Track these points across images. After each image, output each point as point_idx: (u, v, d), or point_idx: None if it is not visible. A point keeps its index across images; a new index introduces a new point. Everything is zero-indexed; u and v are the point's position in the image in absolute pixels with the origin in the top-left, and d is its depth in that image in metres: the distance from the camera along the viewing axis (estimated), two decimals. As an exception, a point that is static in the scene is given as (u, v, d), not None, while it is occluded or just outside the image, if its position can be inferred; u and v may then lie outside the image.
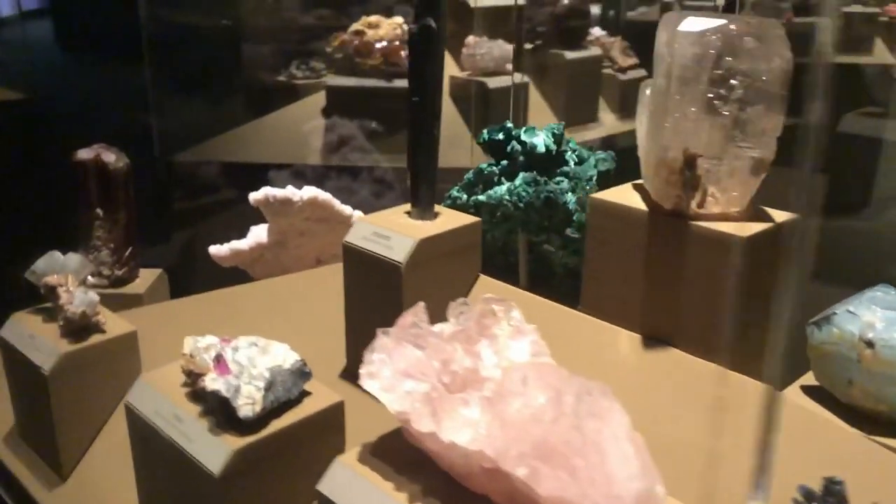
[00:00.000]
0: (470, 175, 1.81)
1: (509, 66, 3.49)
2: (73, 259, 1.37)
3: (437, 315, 0.91)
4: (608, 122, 4.02)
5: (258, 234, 1.66)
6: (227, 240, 1.80)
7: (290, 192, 1.60)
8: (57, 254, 1.38)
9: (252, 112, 3.47)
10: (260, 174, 3.24)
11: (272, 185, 1.73)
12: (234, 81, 3.61)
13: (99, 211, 1.71)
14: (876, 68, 6.27)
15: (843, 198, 3.99)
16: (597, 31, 4.05)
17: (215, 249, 1.69)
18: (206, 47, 3.55)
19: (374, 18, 3.70)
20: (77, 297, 1.32)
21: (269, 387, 1.02)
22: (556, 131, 1.81)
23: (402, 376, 0.81)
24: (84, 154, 1.72)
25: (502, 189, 1.73)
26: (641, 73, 4.14)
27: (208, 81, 3.52)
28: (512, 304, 0.88)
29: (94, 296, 1.34)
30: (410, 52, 1.35)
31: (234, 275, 1.74)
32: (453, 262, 1.40)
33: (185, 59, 3.44)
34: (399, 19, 3.72)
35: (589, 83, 3.87)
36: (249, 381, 1.01)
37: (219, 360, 1.05)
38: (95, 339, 1.35)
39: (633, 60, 4.09)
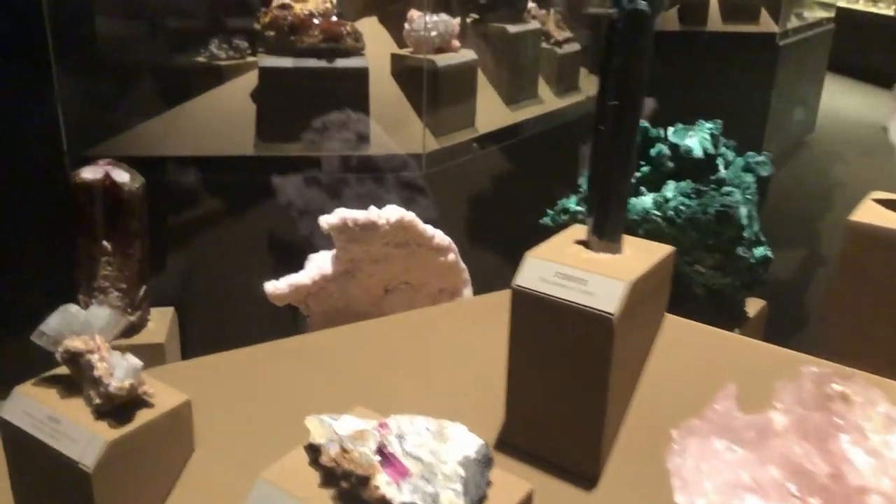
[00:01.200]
0: None
1: (456, 43, 3.26)
2: (100, 314, 1.05)
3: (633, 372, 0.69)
4: (547, 98, 3.88)
5: (321, 263, 1.37)
6: (213, 251, 1.49)
7: (373, 214, 1.32)
8: (74, 307, 1.06)
9: (172, 98, 3.06)
10: (205, 168, 2.88)
11: (281, 194, 1.44)
12: (146, 64, 3.17)
13: (107, 244, 1.36)
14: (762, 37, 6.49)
15: None
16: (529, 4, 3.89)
17: (272, 288, 1.37)
18: (112, 27, 3.09)
19: (299, -8, 3.35)
20: (118, 367, 1.01)
21: (466, 488, 0.79)
22: (713, 131, 1.56)
23: (737, 489, 0.61)
24: (89, 174, 1.36)
25: (647, 201, 1.47)
26: (576, 46, 4.03)
27: (117, 64, 3.08)
28: (864, 381, 0.68)
29: (136, 360, 1.04)
30: (609, 43, 1.09)
31: (245, 306, 1.45)
32: (650, 303, 1.16)
33: (88, 40, 2.98)
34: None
35: (530, 58, 3.70)
36: (445, 484, 0.77)
37: (385, 454, 0.80)
38: (143, 416, 1.05)
39: (568, 34, 3.96)
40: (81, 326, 1.04)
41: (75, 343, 1.03)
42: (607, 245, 1.12)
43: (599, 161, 1.11)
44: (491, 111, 3.51)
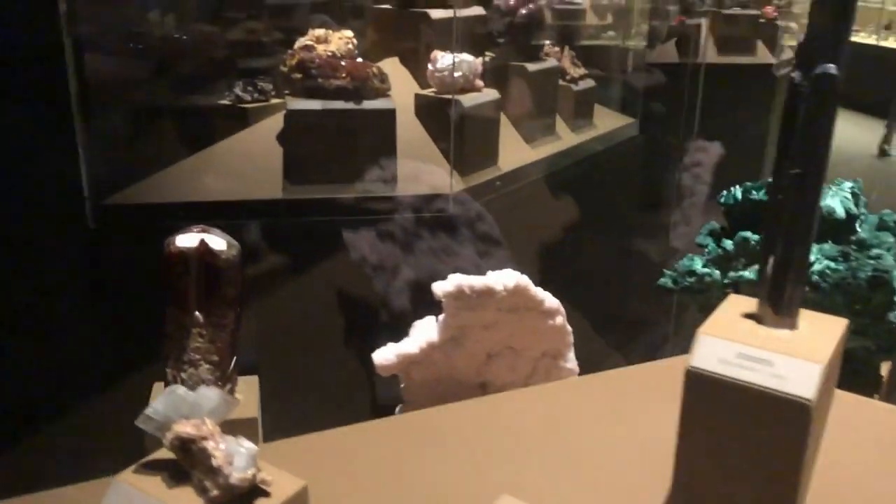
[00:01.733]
0: (725, 244, 1.46)
1: (479, 83, 3.26)
2: (210, 395, 1.00)
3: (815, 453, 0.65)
4: (564, 135, 3.89)
5: (426, 331, 1.32)
6: (280, 308, 1.44)
7: (490, 280, 1.28)
8: (182, 389, 1.00)
9: (198, 142, 3.03)
10: (234, 213, 2.84)
11: (354, 250, 1.40)
12: (170, 108, 3.14)
13: (199, 315, 1.31)
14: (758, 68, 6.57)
15: None
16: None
17: (382, 360, 1.32)
18: (133, 70, 3.06)
19: (320, 32, 3.34)
20: (237, 454, 0.96)
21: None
22: (854, 190, 1.51)
23: None
24: (185, 241, 1.31)
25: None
26: (590, 83, 4.05)
27: (140, 108, 3.04)
28: None
29: (251, 446, 0.98)
30: (792, 108, 1.04)
31: (324, 369, 1.39)
32: (831, 382, 1.10)
33: (110, 84, 2.95)
34: (349, 33, 3.39)
35: (548, 95, 3.71)
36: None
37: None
38: (261, 505, 0.99)
39: (583, 71, 3.98)
40: (190, 409, 0.99)
41: (186, 428, 0.97)
42: (784, 320, 1.06)
43: (777, 230, 1.05)
44: (512, 149, 3.50)
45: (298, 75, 2.98)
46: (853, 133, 8.93)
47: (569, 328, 1.37)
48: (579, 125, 3.95)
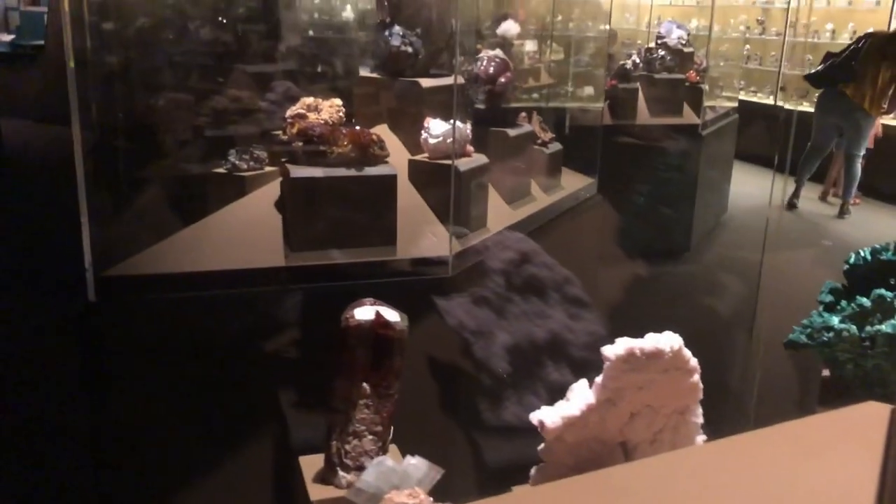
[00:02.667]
0: (861, 301, 1.55)
1: (470, 148, 3.38)
2: (418, 465, 1.04)
3: None
4: (538, 195, 4.04)
5: (583, 393, 1.36)
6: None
7: (660, 342, 1.34)
8: (390, 460, 1.04)
9: (196, 211, 3.01)
10: (235, 281, 2.82)
11: (450, 316, 1.46)
12: (166, 178, 3.11)
13: (366, 386, 1.31)
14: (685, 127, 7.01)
15: None
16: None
17: (550, 422, 1.34)
18: (128, 141, 3.03)
19: (311, 100, 3.40)
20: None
21: None
22: None
23: None
24: (362, 314, 1.32)
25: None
26: (558, 146, 4.24)
27: (137, 179, 3.01)
28: None
29: (461, 507, 1.02)
30: None
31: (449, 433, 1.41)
32: None
33: (108, 156, 2.92)
34: (338, 101, 3.46)
35: (526, 159, 3.87)
36: None
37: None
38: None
39: (551, 134, 4.17)
40: (401, 479, 1.02)
41: (401, 498, 1.00)
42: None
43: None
44: (496, 210, 3.62)
45: (300, 143, 3.02)
46: (757, 186, 9.55)
47: (701, 384, 1.45)
48: (551, 185, 4.12)
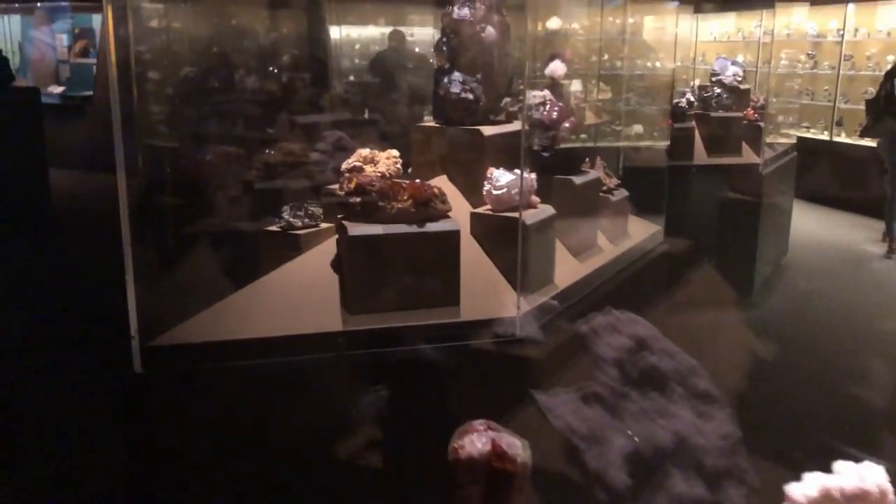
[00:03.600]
0: None
1: (535, 199, 3.16)
2: None
3: None
4: (605, 246, 3.80)
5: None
6: None
7: (865, 479, 1.10)
8: None
9: (249, 273, 2.83)
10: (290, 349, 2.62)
11: (556, 418, 1.23)
12: (221, 238, 2.95)
13: None
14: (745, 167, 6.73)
15: None
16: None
17: (803, 498, 1.10)
18: (179, 200, 2.88)
19: (367, 152, 3.23)
20: None
21: None
22: None
23: None
24: (475, 444, 1.10)
25: None
26: (624, 193, 4.01)
27: (189, 240, 2.85)
28: None
29: None
30: None
31: None
32: None
33: (157, 219, 2.77)
34: (395, 152, 3.29)
35: (592, 208, 3.64)
36: None
37: None
38: None
39: (617, 181, 3.94)
40: None
41: None
42: None
43: None
44: (562, 263, 3.39)
45: (357, 199, 2.83)
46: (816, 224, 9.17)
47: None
48: (617, 234, 3.88)
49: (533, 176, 3.15)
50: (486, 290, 2.98)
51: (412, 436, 2.68)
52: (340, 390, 2.73)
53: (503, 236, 3.02)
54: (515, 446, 1.18)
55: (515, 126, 3.38)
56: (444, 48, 3.23)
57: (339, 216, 2.92)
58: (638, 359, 1.44)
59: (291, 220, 2.94)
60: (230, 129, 3.67)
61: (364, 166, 3.15)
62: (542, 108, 3.51)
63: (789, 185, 7.82)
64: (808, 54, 11.12)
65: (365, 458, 2.71)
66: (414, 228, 2.82)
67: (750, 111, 6.87)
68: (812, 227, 9.11)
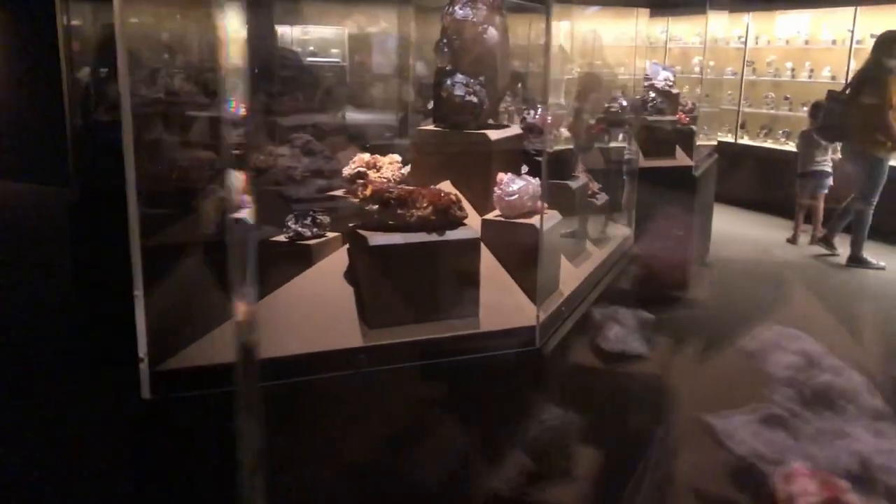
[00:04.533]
0: None
1: (542, 204, 3.10)
2: None
3: None
4: (592, 249, 3.79)
5: None
6: None
7: None
8: None
9: (261, 286, 2.62)
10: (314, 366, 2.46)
11: (739, 443, 1.16)
12: (216, 248, 2.72)
13: None
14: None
15: None
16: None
17: None
18: (180, 212, 2.66)
19: (368, 157, 3.09)
20: None
21: None
22: None
23: None
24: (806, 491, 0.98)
25: None
26: (605, 197, 4.02)
27: (192, 251, 2.62)
28: None
29: None
30: None
31: None
32: None
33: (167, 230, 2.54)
34: (397, 157, 3.16)
35: (586, 212, 3.62)
36: None
37: None
38: None
39: (598, 184, 3.94)
40: None
41: None
42: None
43: None
44: (562, 270, 3.35)
45: (374, 206, 2.68)
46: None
47: None
48: (601, 238, 3.88)
49: (537, 181, 3.09)
50: (501, 299, 2.90)
51: (451, 448, 2.57)
52: (367, 410, 2.58)
53: (518, 243, 2.94)
54: (844, 489, 1.10)
55: (516, 129, 3.31)
56: (446, 49, 3.12)
57: (350, 225, 2.77)
58: (809, 377, 1.39)
59: (300, 229, 2.76)
60: (200, 134, 3.42)
61: (367, 170, 3.01)
62: (533, 112, 3.46)
63: (713, 185, 8.12)
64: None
65: (401, 480, 2.57)
66: (434, 237, 2.71)
67: (682, 115, 7.08)
68: (727, 227, 9.50)
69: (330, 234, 2.88)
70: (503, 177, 3.01)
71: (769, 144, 11.14)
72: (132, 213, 2.27)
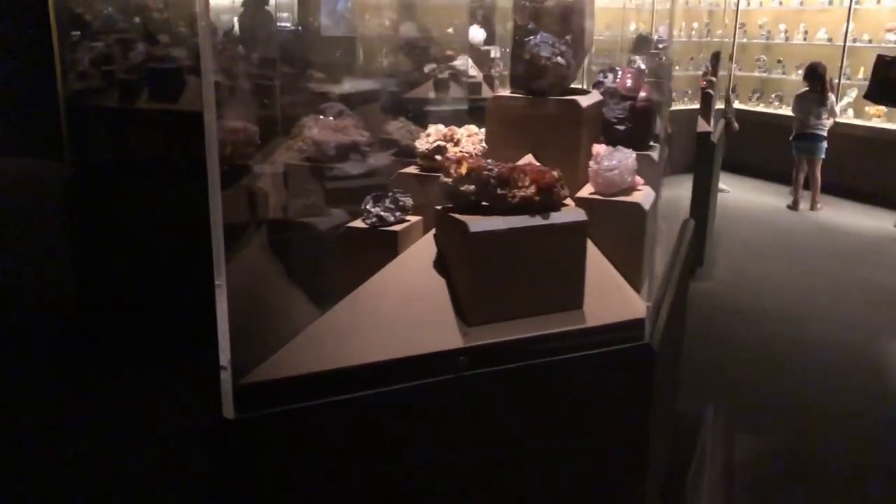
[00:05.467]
0: None
1: (638, 179, 2.77)
2: None
3: None
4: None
5: None
6: None
7: None
8: None
9: (342, 285, 2.28)
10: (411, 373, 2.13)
11: None
12: (286, 240, 2.36)
13: None
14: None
15: None
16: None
17: None
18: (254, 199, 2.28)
19: (445, 130, 2.72)
20: None
21: None
22: None
23: None
24: None
25: None
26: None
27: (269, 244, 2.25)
28: None
29: None
30: None
31: None
32: None
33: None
34: (474, 128, 2.79)
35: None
36: None
37: None
38: None
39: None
40: None
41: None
42: None
43: None
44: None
45: (470, 187, 2.33)
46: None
47: None
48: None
49: (632, 153, 2.76)
50: (602, 288, 2.58)
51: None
52: (472, 419, 2.25)
53: (621, 224, 2.61)
54: None
55: (597, 96, 2.97)
56: (527, 2, 2.75)
57: (438, 207, 2.41)
58: None
59: (382, 213, 2.39)
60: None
61: (446, 144, 2.64)
62: (612, 76, 3.11)
63: (723, 151, 7.90)
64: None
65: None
66: (538, 220, 2.36)
67: (701, 79, 6.81)
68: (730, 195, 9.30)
69: (412, 218, 2.51)
70: (600, 149, 2.67)
71: (762, 108, 10.96)
72: (213, 198, 1.87)
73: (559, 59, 2.74)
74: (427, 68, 4.88)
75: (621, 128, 3.06)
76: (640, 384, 2.54)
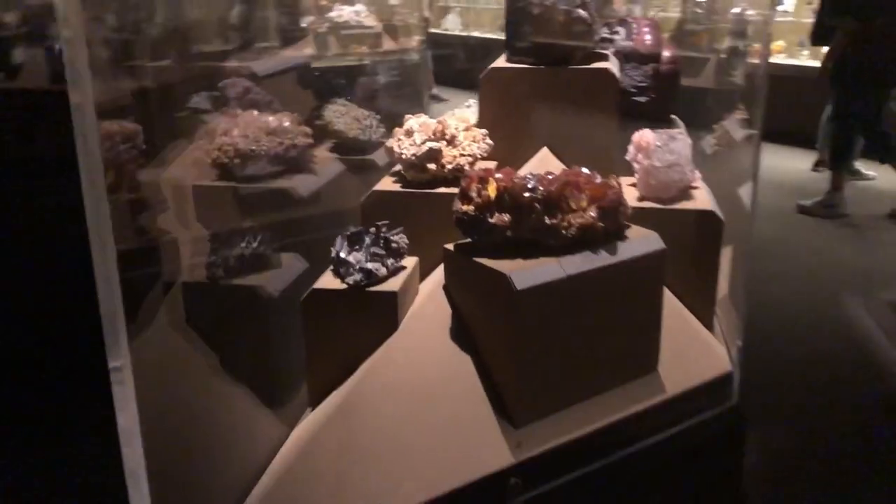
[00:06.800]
0: None
1: (697, 174, 2.02)
2: None
3: None
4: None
5: None
6: None
7: None
8: None
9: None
10: None
11: None
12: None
13: None
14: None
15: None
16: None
17: None
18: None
19: (434, 123, 1.86)
20: None
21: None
22: None
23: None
24: None
25: None
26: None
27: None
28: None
29: None
30: None
31: None
32: None
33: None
34: (469, 116, 1.95)
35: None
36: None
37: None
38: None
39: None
40: None
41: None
42: None
43: None
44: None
45: (505, 217, 1.49)
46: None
47: None
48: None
49: (688, 141, 2.00)
50: (673, 335, 1.82)
51: None
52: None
53: (687, 241, 1.86)
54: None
55: (615, 60, 2.17)
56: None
57: (452, 247, 1.57)
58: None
59: (369, 266, 1.52)
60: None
61: (440, 147, 1.79)
62: (625, 32, 2.33)
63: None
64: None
65: None
66: (605, 257, 1.57)
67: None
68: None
69: (407, 263, 1.65)
70: (648, 137, 1.90)
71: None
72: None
73: (580, 11, 1.92)
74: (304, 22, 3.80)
75: (642, 99, 2.28)
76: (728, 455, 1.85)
